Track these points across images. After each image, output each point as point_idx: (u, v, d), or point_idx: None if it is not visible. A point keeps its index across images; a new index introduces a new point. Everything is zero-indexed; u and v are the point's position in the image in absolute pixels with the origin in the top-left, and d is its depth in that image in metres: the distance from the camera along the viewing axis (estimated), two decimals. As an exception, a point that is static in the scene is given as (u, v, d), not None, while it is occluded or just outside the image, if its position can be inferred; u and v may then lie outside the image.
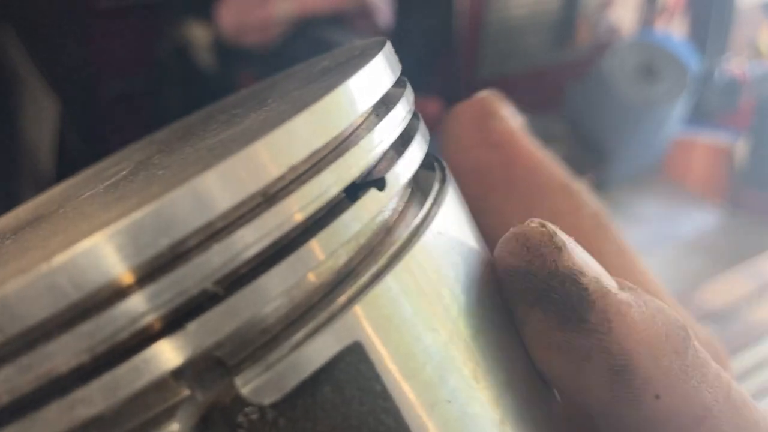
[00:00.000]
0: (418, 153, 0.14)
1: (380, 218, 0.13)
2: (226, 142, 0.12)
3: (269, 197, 0.11)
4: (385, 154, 0.13)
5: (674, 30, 1.41)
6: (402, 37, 1.19)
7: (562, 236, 0.14)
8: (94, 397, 0.09)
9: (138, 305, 0.10)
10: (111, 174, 0.16)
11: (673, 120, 1.13)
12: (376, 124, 0.13)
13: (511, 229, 0.14)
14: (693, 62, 1.13)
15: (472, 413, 0.13)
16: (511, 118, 0.19)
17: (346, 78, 0.12)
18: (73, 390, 0.09)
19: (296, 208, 0.11)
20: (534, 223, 0.14)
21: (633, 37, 1.32)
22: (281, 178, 0.11)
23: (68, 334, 0.09)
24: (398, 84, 0.15)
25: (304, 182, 0.11)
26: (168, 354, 0.10)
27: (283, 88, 0.16)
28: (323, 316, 0.11)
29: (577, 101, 1.19)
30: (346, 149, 0.12)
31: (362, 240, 0.12)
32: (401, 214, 0.14)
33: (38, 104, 1.05)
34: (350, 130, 0.12)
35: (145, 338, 0.10)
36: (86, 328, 0.09)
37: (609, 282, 0.14)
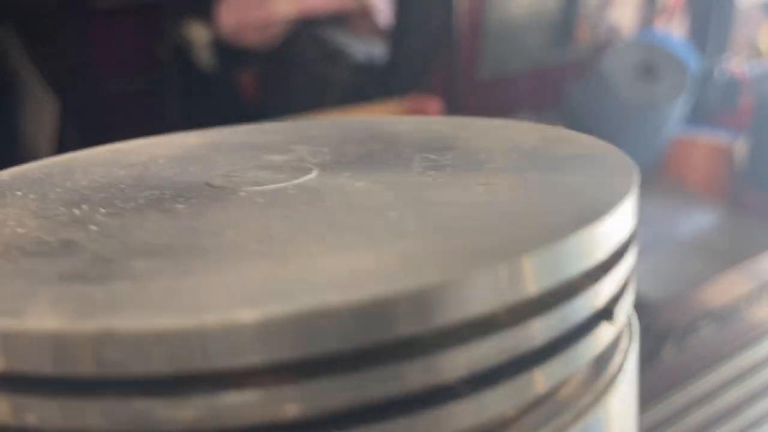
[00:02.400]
0: (634, 288, 0.14)
1: (596, 355, 0.12)
2: (458, 208, 0.11)
3: (514, 314, 0.10)
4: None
5: (674, 30, 1.41)
6: (402, 37, 1.19)
7: None
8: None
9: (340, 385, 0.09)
10: (282, 164, 0.15)
11: (673, 120, 1.13)
12: (625, 254, 0.12)
13: None
14: (693, 62, 1.13)
15: None
16: None
17: (610, 203, 0.11)
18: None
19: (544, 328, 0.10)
20: None
21: (633, 37, 1.32)
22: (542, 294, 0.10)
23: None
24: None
25: (553, 305, 0.10)
26: None
27: (490, 152, 0.14)
28: None
29: (577, 101, 1.19)
30: (600, 277, 0.11)
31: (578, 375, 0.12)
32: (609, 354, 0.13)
33: (38, 104, 1.05)
34: (608, 258, 0.12)
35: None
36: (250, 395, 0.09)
37: None
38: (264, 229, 0.11)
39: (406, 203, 0.11)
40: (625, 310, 0.12)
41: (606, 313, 0.11)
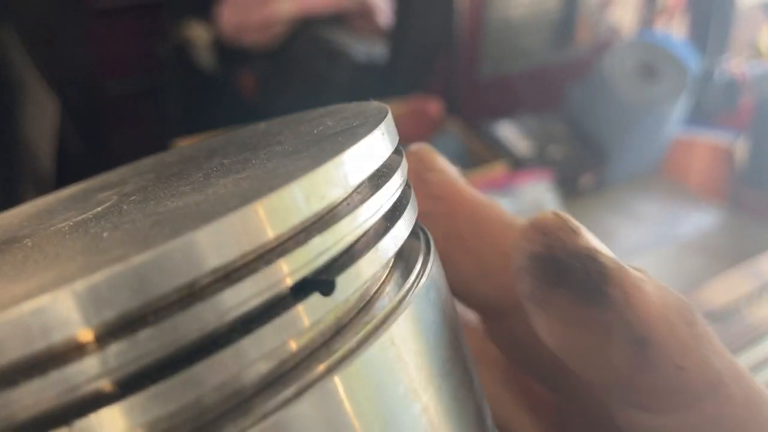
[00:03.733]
0: (407, 224, 0.14)
1: (361, 289, 0.13)
2: (172, 213, 0.12)
3: (246, 265, 0.11)
4: (375, 226, 0.13)
5: (674, 30, 1.41)
6: (402, 37, 1.19)
7: (575, 222, 0.15)
8: None
9: (92, 366, 0.09)
10: (95, 201, 0.16)
11: (673, 120, 1.13)
12: (369, 197, 0.13)
13: (526, 222, 0.15)
14: (693, 62, 1.13)
15: None
16: (447, 168, 0.19)
17: (339, 149, 0.12)
18: None
19: (278, 276, 0.11)
20: (548, 213, 0.15)
21: (633, 37, 1.32)
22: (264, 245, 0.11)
23: (15, 388, 0.09)
24: (394, 155, 0.15)
25: (290, 250, 0.11)
26: (113, 424, 0.09)
27: (277, 145, 0.15)
28: (291, 389, 0.11)
29: (577, 101, 1.19)
30: (335, 221, 0.12)
31: (340, 312, 0.12)
32: (383, 284, 0.14)
33: (38, 104, 1.05)
34: (340, 202, 0.12)
35: (92, 403, 0.09)
36: (34, 385, 0.09)
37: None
38: None
39: (135, 219, 0.12)
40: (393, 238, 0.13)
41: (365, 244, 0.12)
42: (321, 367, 0.11)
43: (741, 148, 1.13)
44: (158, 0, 1.26)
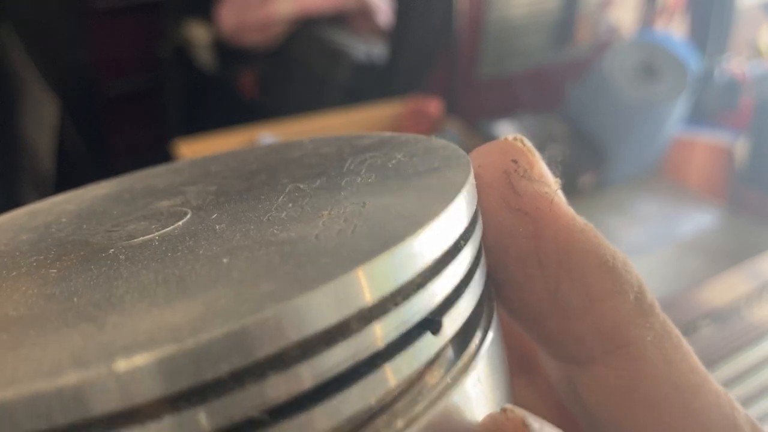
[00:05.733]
0: (484, 257, 0.14)
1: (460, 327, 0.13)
2: (295, 246, 0.11)
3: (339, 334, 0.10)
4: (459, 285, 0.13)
5: (674, 30, 1.41)
6: (402, 37, 1.19)
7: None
8: None
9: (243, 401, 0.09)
10: (164, 211, 0.15)
11: (673, 120, 1.13)
12: (469, 238, 0.13)
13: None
14: (693, 62, 1.13)
15: None
16: (546, 176, 0.16)
17: (435, 211, 0.12)
18: None
19: (398, 321, 0.11)
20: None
21: (633, 37, 1.32)
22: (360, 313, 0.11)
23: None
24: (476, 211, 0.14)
25: (411, 294, 0.11)
26: None
27: (354, 175, 0.15)
28: None
29: (577, 101, 1.19)
30: (445, 265, 0.12)
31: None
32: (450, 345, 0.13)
33: (38, 104, 1.05)
34: (450, 247, 0.12)
35: None
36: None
37: None
38: (106, 292, 0.12)
39: (247, 246, 0.12)
40: (464, 307, 0.13)
41: (438, 314, 0.12)
42: (419, 406, 0.11)
43: (741, 148, 1.13)
44: (158, 0, 1.26)
